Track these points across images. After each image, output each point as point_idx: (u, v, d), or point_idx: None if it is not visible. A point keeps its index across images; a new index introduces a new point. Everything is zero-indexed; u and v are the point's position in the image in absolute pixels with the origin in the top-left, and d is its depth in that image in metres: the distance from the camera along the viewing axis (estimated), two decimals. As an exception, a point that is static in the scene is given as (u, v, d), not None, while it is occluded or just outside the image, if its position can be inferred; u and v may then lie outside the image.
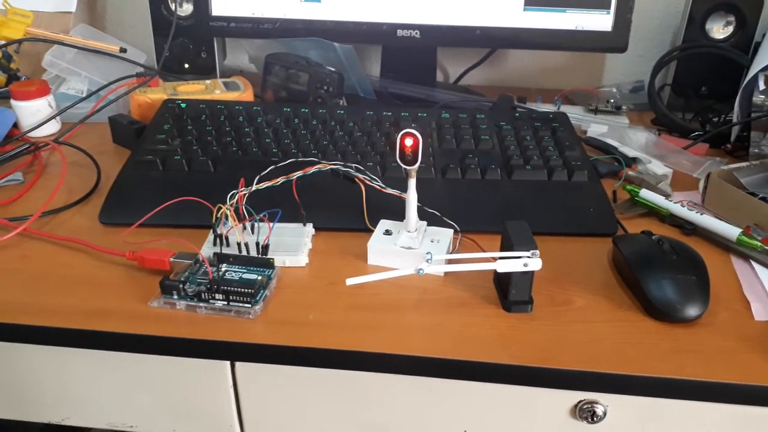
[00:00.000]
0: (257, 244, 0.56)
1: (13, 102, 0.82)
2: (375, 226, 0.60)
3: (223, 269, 0.54)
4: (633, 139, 0.82)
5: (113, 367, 0.56)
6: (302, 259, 0.58)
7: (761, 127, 0.77)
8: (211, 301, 0.51)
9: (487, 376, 0.49)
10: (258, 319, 0.51)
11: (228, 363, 0.54)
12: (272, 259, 0.55)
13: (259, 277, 0.53)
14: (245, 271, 0.54)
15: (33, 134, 0.82)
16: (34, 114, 0.82)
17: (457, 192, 0.67)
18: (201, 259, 0.54)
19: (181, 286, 0.51)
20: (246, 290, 0.51)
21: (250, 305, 0.51)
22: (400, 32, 0.87)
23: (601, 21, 0.86)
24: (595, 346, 0.49)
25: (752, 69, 0.77)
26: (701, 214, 0.62)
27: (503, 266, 0.51)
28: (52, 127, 0.84)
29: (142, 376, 0.56)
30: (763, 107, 0.77)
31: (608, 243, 0.60)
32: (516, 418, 0.54)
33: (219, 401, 0.56)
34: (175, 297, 0.52)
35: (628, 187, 0.68)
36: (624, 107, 0.94)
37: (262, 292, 0.52)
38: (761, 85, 0.76)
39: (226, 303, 0.51)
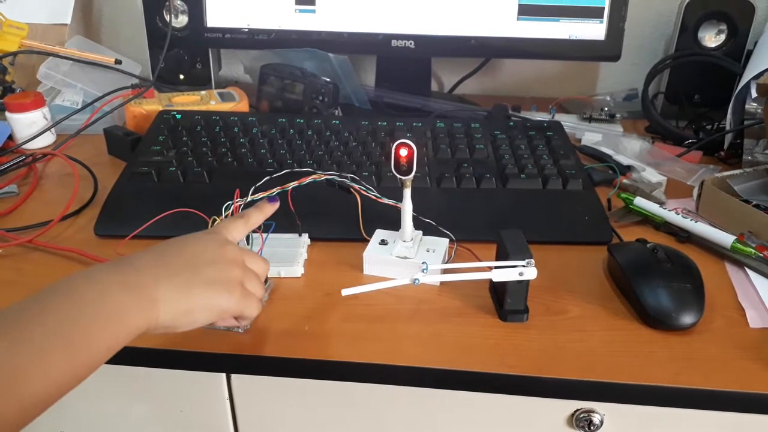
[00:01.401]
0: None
1: (7, 114, 0.82)
2: (371, 236, 0.60)
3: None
4: (627, 147, 0.82)
5: (109, 379, 0.56)
6: (298, 270, 0.58)
7: (754, 134, 0.78)
8: None
9: (483, 387, 0.49)
10: (253, 330, 0.51)
11: (224, 375, 0.54)
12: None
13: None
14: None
15: (28, 146, 0.82)
16: (29, 126, 0.82)
17: (453, 201, 0.67)
18: None
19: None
20: None
21: None
22: (394, 42, 0.88)
23: (595, 30, 0.87)
24: (591, 354, 0.49)
25: (744, 77, 0.78)
26: (695, 222, 0.63)
27: (498, 276, 0.51)
28: (47, 139, 0.84)
29: (138, 388, 0.56)
30: (755, 115, 0.78)
31: (603, 251, 0.60)
32: (513, 428, 0.54)
33: (215, 413, 0.56)
34: None
35: (623, 195, 0.68)
36: (618, 115, 0.94)
37: None
38: (753, 93, 0.76)
39: None
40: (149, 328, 0.40)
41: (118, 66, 0.92)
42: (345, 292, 0.52)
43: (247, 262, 0.47)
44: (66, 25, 0.97)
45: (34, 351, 0.34)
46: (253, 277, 0.47)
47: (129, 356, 0.50)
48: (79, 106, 0.87)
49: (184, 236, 0.47)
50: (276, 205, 0.54)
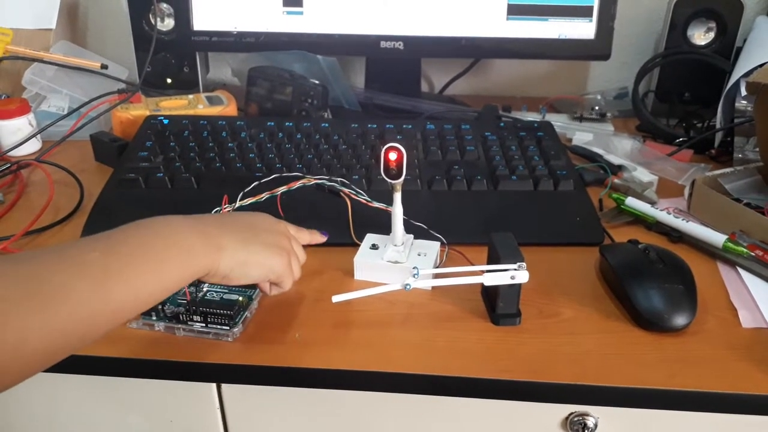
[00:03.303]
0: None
1: (-8, 121, 0.81)
2: (361, 241, 0.59)
3: (204, 289, 0.53)
4: (618, 147, 0.82)
5: (101, 391, 0.55)
6: (288, 276, 0.57)
7: (744, 132, 0.78)
8: (189, 322, 0.51)
9: (476, 392, 0.49)
10: (243, 339, 0.50)
11: (214, 385, 0.53)
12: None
13: (240, 298, 0.52)
14: (227, 291, 0.53)
15: (13, 153, 0.81)
16: (15, 133, 0.81)
17: (444, 204, 0.66)
18: None
19: (160, 306, 0.51)
20: (225, 312, 0.50)
21: (228, 327, 0.50)
22: (383, 44, 0.87)
23: (584, 29, 0.87)
24: (584, 358, 0.49)
25: (734, 75, 0.78)
26: (687, 222, 0.62)
27: (490, 279, 0.51)
28: (33, 146, 0.83)
29: (128, 399, 0.55)
30: (745, 113, 0.78)
31: (595, 252, 0.59)
32: (507, 433, 0.53)
33: (206, 423, 0.55)
34: (154, 318, 0.51)
35: (614, 195, 0.68)
36: (609, 114, 0.94)
37: (242, 313, 0.51)
38: (743, 91, 0.76)
39: (204, 325, 0.50)
40: (210, 271, 0.45)
41: (104, 71, 0.91)
42: (336, 299, 0.51)
43: (294, 244, 0.52)
44: (51, 30, 0.96)
45: (120, 262, 0.39)
46: (296, 258, 0.52)
47: (119, 367, 0.50)
48: (65, 112, 0.86)
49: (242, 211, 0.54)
50: (323, 239, 0.60)
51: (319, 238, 0.59)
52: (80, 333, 0.37)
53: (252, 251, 0.47)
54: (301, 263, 0.53)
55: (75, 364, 0.50)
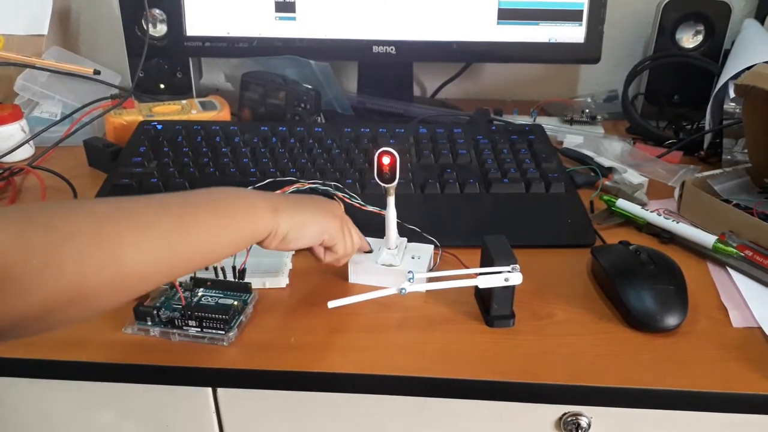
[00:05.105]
0: (234, 268, 0.55)
1: (-16, 127, 0.80)
2: (355, 245, 0.60)
3: (199, 294, 0.53)
4: (608, 149, 0.83)
5: (96, 397, 0.55)
6: (283, 281, 0.57)
7: (733, 134, 0.79)
8: (184, 327, 0.51)
9: (471, 394, 0.49)
10: (238, 343, 0.51)
11: (210, 389, 0.53)
12: (249, 283, 0.54)
13: (235, 303, 0.52)
14: (222, 296, 0.53)
15: (6, 159, 0.80)
16: (7, 139, 0.81)
17: (437, 207, 0.67)
18: (174, 284, 0.53)
19: (155, 312, 0.51)
20: (220, 316, 0.50)
21: (223, 332, 0.50)
22: (375, 48, 0.88)
23: (574, 33, 0.87)
24: (578, 358, 0.49)
25: (722, 77, 0.79)
26: (677, 223, 0.63)
27: (484, 282, 0.51)
28: (26, 152, 0.82)
29: (124, 405, 0.55)
30: (734, 115, 0.79)
31: (587, 254, 0.60)
32: (501, 434, 0.54)
33: (203, 428, 0.55)
34: (149, 323, 0.51)
35: (605, 197, 0.69)
36: (599, 117, 0.95)
37: (237, 317, 0.52)
38: (731, 93, 0.77)
39: (199, 330, 0.51)
40: (272, 232, 0.48)
41: (96, 76, 0.91)
42: (331, 304, 0.51)
43: (348, 221, 0.55)
44: (43, 35, 0.95)
45: (196, 209, 0.44)
46: (347, 229, 0.54)
47: (114, 372, 0.50)
48: (58, 118, 0.86)
49: None
50: (369, 247, 0.59)
51: (366, 245, 0.59)
52: (167, 263, 0.41)
53: (307, 212, 0.51)
54: (355, 244, 0.55)
55: (69, 370, 0.50)
